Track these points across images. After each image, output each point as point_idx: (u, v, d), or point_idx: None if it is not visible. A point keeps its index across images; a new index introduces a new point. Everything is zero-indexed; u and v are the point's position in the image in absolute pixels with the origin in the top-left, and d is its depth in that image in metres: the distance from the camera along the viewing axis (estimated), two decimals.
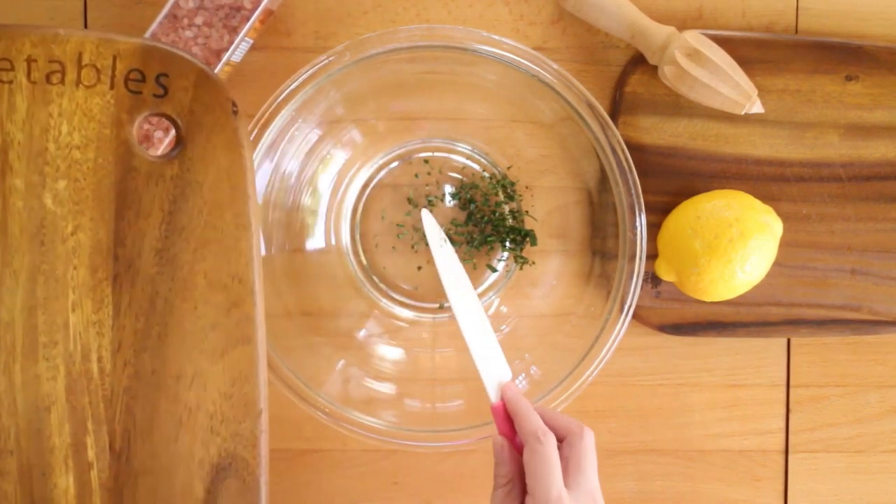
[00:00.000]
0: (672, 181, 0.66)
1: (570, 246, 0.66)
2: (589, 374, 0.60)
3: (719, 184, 0.66)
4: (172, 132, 0.61)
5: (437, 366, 0.67)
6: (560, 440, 0.52)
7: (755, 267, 0.62)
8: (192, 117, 0.51)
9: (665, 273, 0.64)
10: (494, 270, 0.67)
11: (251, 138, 0.58)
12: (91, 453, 0.51)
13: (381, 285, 0.68)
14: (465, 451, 0.68)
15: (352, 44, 0.58)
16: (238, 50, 0.62)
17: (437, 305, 0.67)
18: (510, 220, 0.67)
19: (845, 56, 0.66)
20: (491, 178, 0.67)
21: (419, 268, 0.67)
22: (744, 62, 0.63)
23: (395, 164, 0.67)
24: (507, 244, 0.66)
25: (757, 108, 0.63)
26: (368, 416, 0.61)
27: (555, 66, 0.59)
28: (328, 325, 0.67)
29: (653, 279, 0.66)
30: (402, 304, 0.68)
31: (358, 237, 0.67)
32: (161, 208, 0.51)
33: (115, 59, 0.50)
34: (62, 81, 0.50)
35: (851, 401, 0.69)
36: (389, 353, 0.67)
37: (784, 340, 0.69)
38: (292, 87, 0.58)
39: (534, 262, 0.67)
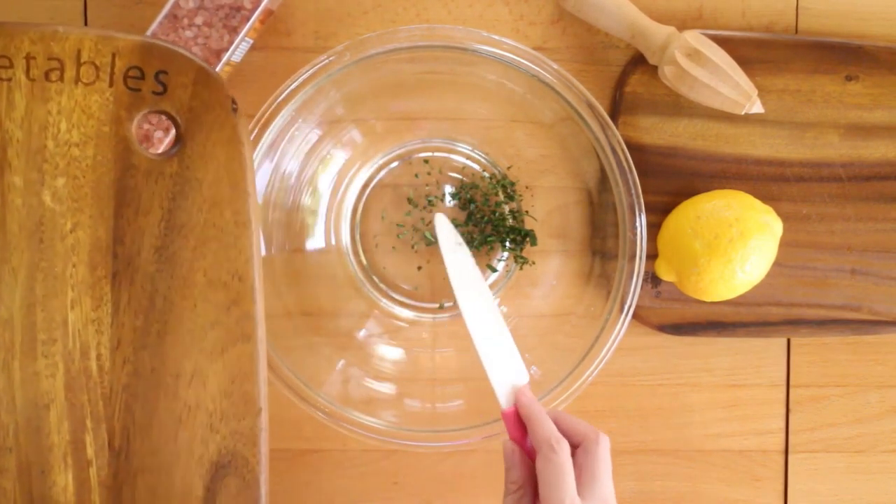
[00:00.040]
0: (672, 181, 0.66)
1: (570, 246, 0.66)
2: (589, 374, 0.60)
3: (719, 184, 0.66)
4: (172, 132, 0.61)
5: (437, 366, 0.67)
6: (574, 446, 0.51)
7: (755, 267, 0.62)
8: (192, 115, 0.51)
9: (665, 273, 0.64)
10: (494, 270, 0.68)
11: (251, 138, 0.58)
12: (90, 451, 0.51)
13: (381, 285, 0.68)
14: (465, 451, 0.68)
15: (352, 44, 0.58)
16: (238, 50, 0.62)
17: (437, 305, 0.67)
18: (510, 220, 0.67)
19: (845, 56, 0.66)
20: (491, 178, 0.67)
21: (419, 268, 0.67)
22: (744, 62, 0.63)
23: (395, 164, 0.67)
24: (507, 244, 0.66)
25: (757, 108, 0.63)
26: (368, 416, 0.61)
27: (555, 66, 0.59)
28: (328, 325, 0.67)
29: (653, 279, 0.66)
30: (402, 304, 0.68)
31: (358, 237, 0.67)
32: (160, 206, 0.51)
33: (114, 56, 0.50)
34: (61, 79, 0.50)
35: (851, 401, 0.69)
36: (389, 353, 0.67)
37: (784, 340, 0.69)
38: (292, 87, 0.58)
39: (534, 262, 0.67)
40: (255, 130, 0.58)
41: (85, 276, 0.51)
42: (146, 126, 0.60)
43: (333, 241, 0.67)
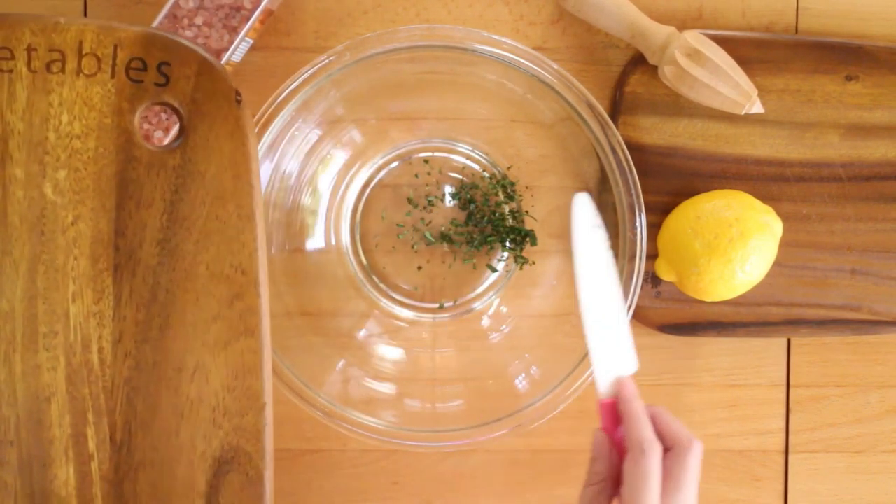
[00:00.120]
0: (672, 181, 0.66)
1: (570, 246, 0.66)
2: (589, 374, 0.60)
3: (719, 184, 0.66)
4: (173, 131, 0.61)
5: (437, 366, 0.67)
6: (666, 449, 0.50)
7: (755, 267, 0.62)
8: (195, 106, 0.51)
9: (665, 273, 0.64)
10: (494, 270, 0.67)
11: None
12: (91, 445, 0.51)
13: (381, 285, 0.68)
14: (465, 451, 0.68)
15: (352, 44, 0.58)
16: (238, 50, 0.62)
17: (437, 305, 0.67)
18: (510, 220, 0.67)
19: (845, 56, 0.66)
20: (491, 178, 0.67)
21: (419, 268, 0.67)
22: (744, 62, 0.63)
23: (395, 164, 0.67)
24: (507, 244, 0.66)
25: (757, 108, 0.63)
26: (368, 416, 0.61)
27: (555, 66, 0.59)
28: (328, 325, 0.67)
29: (653, 279, 0.66)
30: (402, 304, 0.68)
31: (358, 237, 0.67)
32: (163, 198, 0.51)
33: (115, 47, 0.50)
34: (62, 70, 0.50)
35: (851, 401, 0.69)
36: (389, 353, 0.67)
37: (784, 340, 0.69)
38: (292, 87, 0.58)
39: (534, 262, 0.67)
40: (256, 130, 0.58)
41: (86, 269, 0.51)
42: (146, 126, 0.60)
43: (333, 241, 0.67)
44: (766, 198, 0.65)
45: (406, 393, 0.65)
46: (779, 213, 0.64)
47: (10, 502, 0.51)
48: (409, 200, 0.67)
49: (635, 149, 0.64)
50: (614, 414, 0.52)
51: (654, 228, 0.65)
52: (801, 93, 0.66)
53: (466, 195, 0.67)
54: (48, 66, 0.50)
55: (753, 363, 0.69)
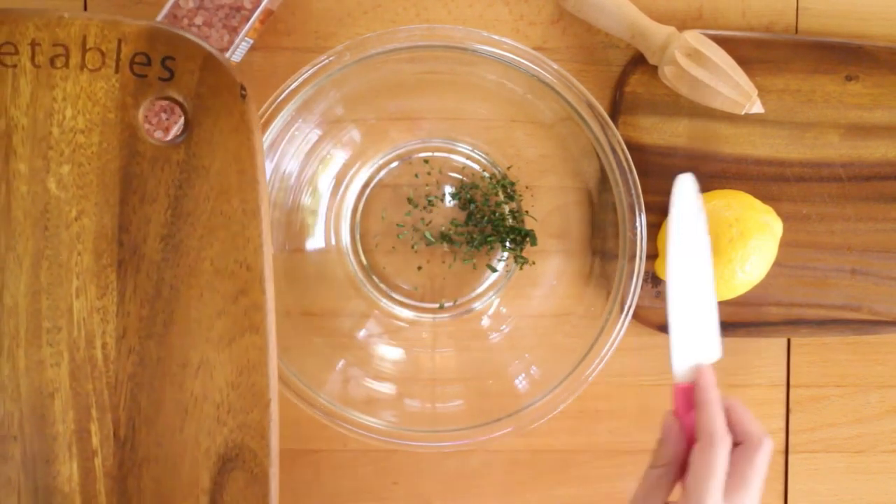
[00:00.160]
0: (672, 181, 0.66)
1: (570, 246, 0.66)
2: (589, 374, 0.60)
3: (719, 184, 0.66)
4: (173, 131, 0.60)
5: (437, 366, 0.67)
6: (736, 443, 0.50)
7: (755, 267, 0.62)
8: (199, 101, 0.50)
9: (665, 273, 0.64)
10: (494, 270, 0.67)
11: None
12: (95, 441, 0.51)
13: (381, 285, 0.68)
14: (465, 451, 0.68)
15: (352, 44, 0.58)
16: (238, 50, 0.62)
17: (437, 305, 0.67)
18: (510, 220, 0.67)
19: (845, 56, 0.66)
20: (491, 178, 0.67)
21: (419, 268, 0.67)
22: (744, 62, 0.63)
23: (395, 164, 0.67)
24: (507, 244, 0.66)
25: (757, 108, 0.63)
26: (368, 416, 0.61)
27: (555, 66, 0.59)
28: (328, 325, 0.67)
29: (653, 279, 0.66)
30: (402, 304, 0.68)
31: (358, 237, 0.67)
32: (167, 194, 0.51)
33: (120, 42, 0.50)
34: (66, 65, 0.50)
35: (851, 401, 0.69)
36: (389, 353, 0.67)
37: (784, 340, 0.69)
38: (292, 87, 0.58)
39: (534, 262, 0.67)
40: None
41: (90, 264, 0.50)
42: (146, 126, 0.60)
43: (333, 241, 0.67)
44: (766, 198, 0.65)
45: (406, 393, 0.65)
46: (779, 213, 0.64)
47: (14, 498, 0.50)
48: (409, 200, 0.67)
49: (635, 149, 0.64)
50: (688, 399, 0.52)
51: (654, 228, 0.65)
52: (801, 93, 0.66)
53: (466, 195, 0.67)
54: (52, 61, 0.50)
55: (753, 363, 0.69)
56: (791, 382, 0.69)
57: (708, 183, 0.66)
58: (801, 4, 0.67)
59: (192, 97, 0.50)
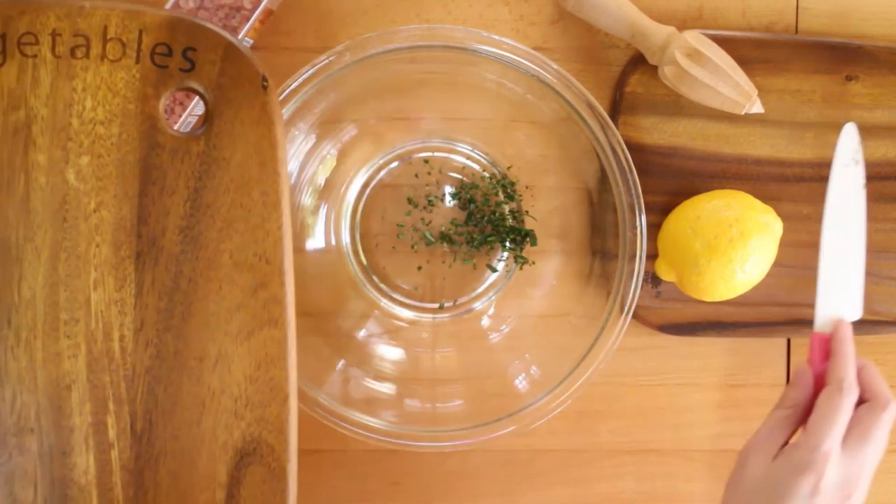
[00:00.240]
0: (672, 181, 0.66)
1: (570, 246, 0.66)
2: (589, 374, 0.60)
3: (719, 184, 0.66)
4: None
5: (437, 366, 0.67)
6: (862, 401, 0.51)
7: (755, 267, 0.62)
8: (220, 92, 0.50)
9: (665, 273, 0.64)
10: (494, 270, 0.67)
11: None
12: (112, 433, 0.50)
13: (381, 285, 0.68)
14: (465, 452, 0.68)
15: (352, 44, 0.58)
16: None
17: (437, 305, 0.67)
18: (510, 220, 0.67)
19: (845, 56, 0.66)
20: (491, 178, 0.67)
21: (419, 268, 0.67)
22: (744, 62, 0.63)
23: (395, 164, 0.67)
24: (507, 244, 0.66)
25: (757, 108, 0.63)
26: (368, 416, 0.61)
27: (555, 66, 0.59)
28: (328, 325, 0.67)
29: (653, 279, 0.66)
30: (402, 304, 0.68)
31: (358, 237, 0.67)
32: (186, 185, 0.50)
33: (140, 32, 0.49)
34: (87, 56, 0.49)
35: None
36: (389, 353, 0.67)
37: (784, 340, 0.69)
38: (292, 87, 0.58)
39: (534, 262, 0.67)
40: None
41: (108, 256, 0.50)
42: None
43: (333, 241, 0.67)
44: (766, 198, 0.65)
45: (406, 393, 0.65)
46: (779, 213, 0.64)
47: (31, 490, 0.50)
48: (409, 200, 0.67)
49: (635, 149, 0.64)
50: (824, 349, 0.54)
51: (654, 228, 0.65)
52: (801, 93, 0.66)
53: (466, 195, 0.67)
54: (72, 52, 0.49)
55: (753, 363, 0.69)
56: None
57: (708, 183, 0.66)
58: (801, 4, 0.67)
59: (213, 88, 0.50)
